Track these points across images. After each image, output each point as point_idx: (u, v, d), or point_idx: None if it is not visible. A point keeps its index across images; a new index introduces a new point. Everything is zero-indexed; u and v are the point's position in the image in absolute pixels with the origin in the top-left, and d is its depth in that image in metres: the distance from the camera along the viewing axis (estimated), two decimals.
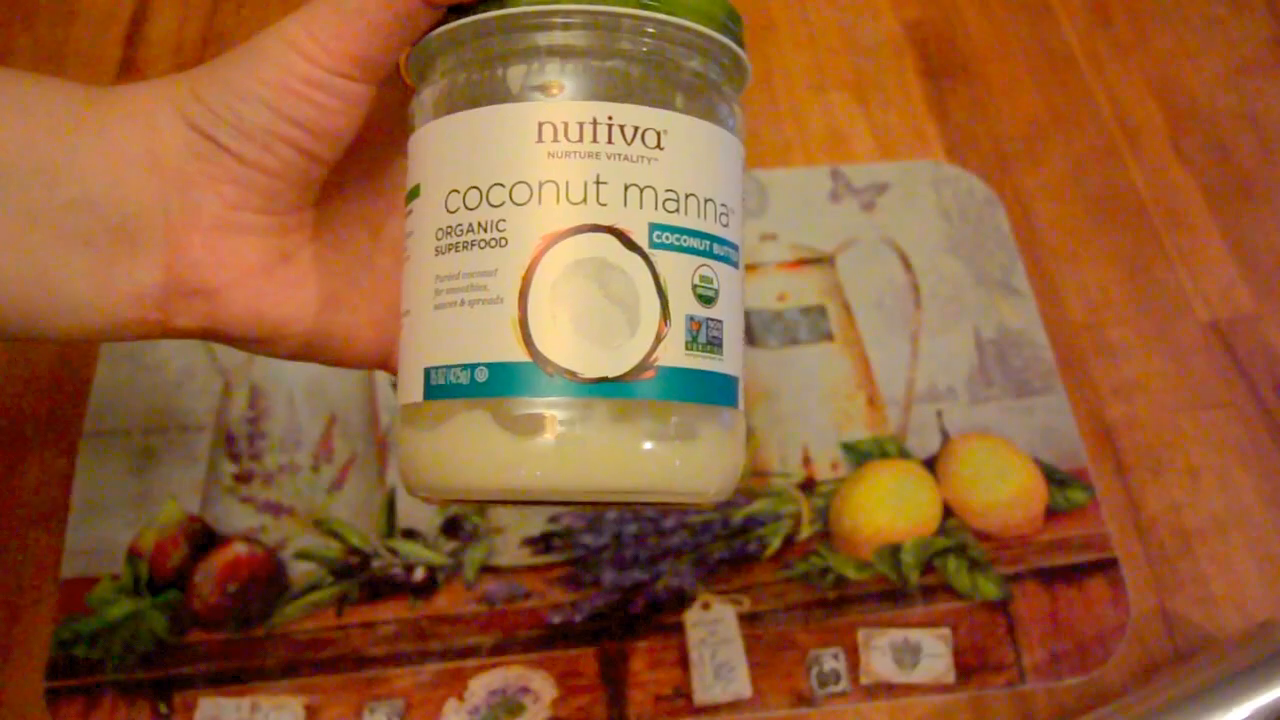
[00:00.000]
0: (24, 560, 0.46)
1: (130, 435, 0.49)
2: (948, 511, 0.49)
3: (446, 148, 0.26)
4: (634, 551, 0.47)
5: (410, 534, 0.47)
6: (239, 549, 0.46)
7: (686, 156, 0.26)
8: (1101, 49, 0.64)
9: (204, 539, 0.46)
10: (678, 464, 0.26)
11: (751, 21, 0.66)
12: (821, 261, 0.55)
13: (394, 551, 0.47)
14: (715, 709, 0.44)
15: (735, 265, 0.28)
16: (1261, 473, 0.50)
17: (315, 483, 0.48)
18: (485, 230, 0.25)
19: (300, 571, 0.46)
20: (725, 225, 0.27)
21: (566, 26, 0.26)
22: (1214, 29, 0.65)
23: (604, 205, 0.25)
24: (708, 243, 0.27)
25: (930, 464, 0.50)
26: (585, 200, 0.25)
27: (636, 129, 0.25)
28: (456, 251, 0.26)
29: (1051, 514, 0.49)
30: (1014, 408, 0.51)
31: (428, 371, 0.26)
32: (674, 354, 0.25)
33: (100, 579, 0.45)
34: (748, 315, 0.53)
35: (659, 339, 0.25)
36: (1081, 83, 0.63)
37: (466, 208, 0.25)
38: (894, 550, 0.47)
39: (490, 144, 0.25)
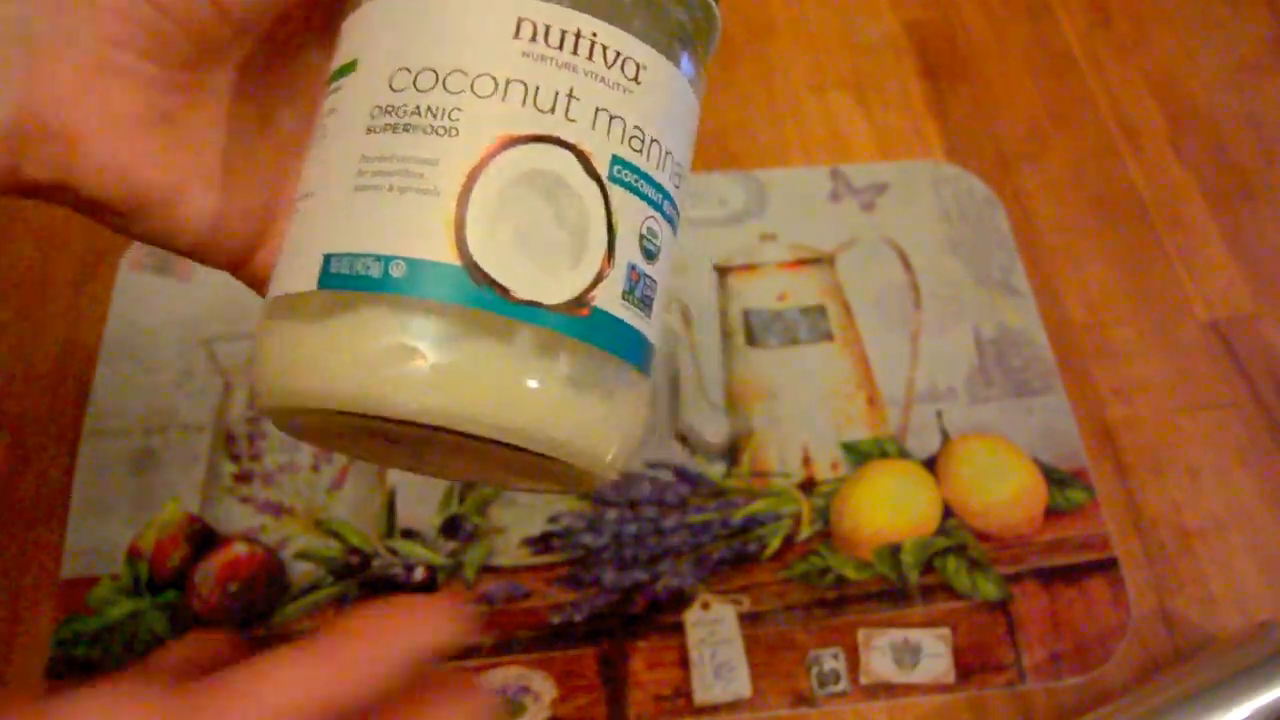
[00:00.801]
0: (24, 560, 0.46)
1: (130, 435, 0.49)
2: (947, 511, 0.49)
3: (402, 21, 0.23)
4: (634, 551, 0.47)
5: (410, 534, 0.47)
6: (239, 549, 0.46)
7: (660, 100, 0.25)
8: (1101, 49, 0.64)
9: (204, 539, 0.46)
10: (589, 419, 0.23)
11: (751, 21, 0.66)
12: (821, 261, 0.55)
13: (394, 551, 0.47)
14: (715, 709, 0.44)
15: (675, 231, 0.26)
16: (1262, 472, 0.50)
17: (315, 482, 0.48)
18: (434, 116, 0.22)
19: (300, 571, 0.46)
20: (676, 186, 0.26)
21: None
22: (1214, 29, 0.65)
23: (572, 121, 0.23)
24: (660, 196, 0.25)
25: (930, 464, 0.50)
26: (554, 110, 0.23)
27: (619, 55, 0.24)
28: (395, 133, 0.23)
29: (1051, 514, 0.49)
30: (1014, 408, 0.51)
31: (329, 258, 0.23)
32: (610, 299, 0.23)
33: (100, 579, 0.45)
34: (748, 315, 0.53)
35: (599, 278, 0.23)
36: (1081, 82, 0.63)
37: (416, 89, 0.23)
38: (894, 550, 0.47)
39: (458, 28, 0.23)
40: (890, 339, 0.53)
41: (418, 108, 0.23)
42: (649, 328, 0.25)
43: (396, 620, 0.23)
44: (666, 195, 0.25)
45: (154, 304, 0.52)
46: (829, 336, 0.53)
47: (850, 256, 0.56)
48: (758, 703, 0.44)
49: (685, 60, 0.26)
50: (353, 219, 0.23)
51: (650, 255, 0.24)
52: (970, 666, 0.45)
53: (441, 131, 0.22)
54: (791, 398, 0.51)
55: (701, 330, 0.53)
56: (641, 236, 0.24)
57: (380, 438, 0.25)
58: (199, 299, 0.53)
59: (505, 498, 0.48)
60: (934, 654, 0.45)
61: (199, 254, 0.27)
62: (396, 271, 0.22)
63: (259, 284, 0.28)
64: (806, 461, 0.50)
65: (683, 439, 0.50)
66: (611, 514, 0.48)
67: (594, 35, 0.23)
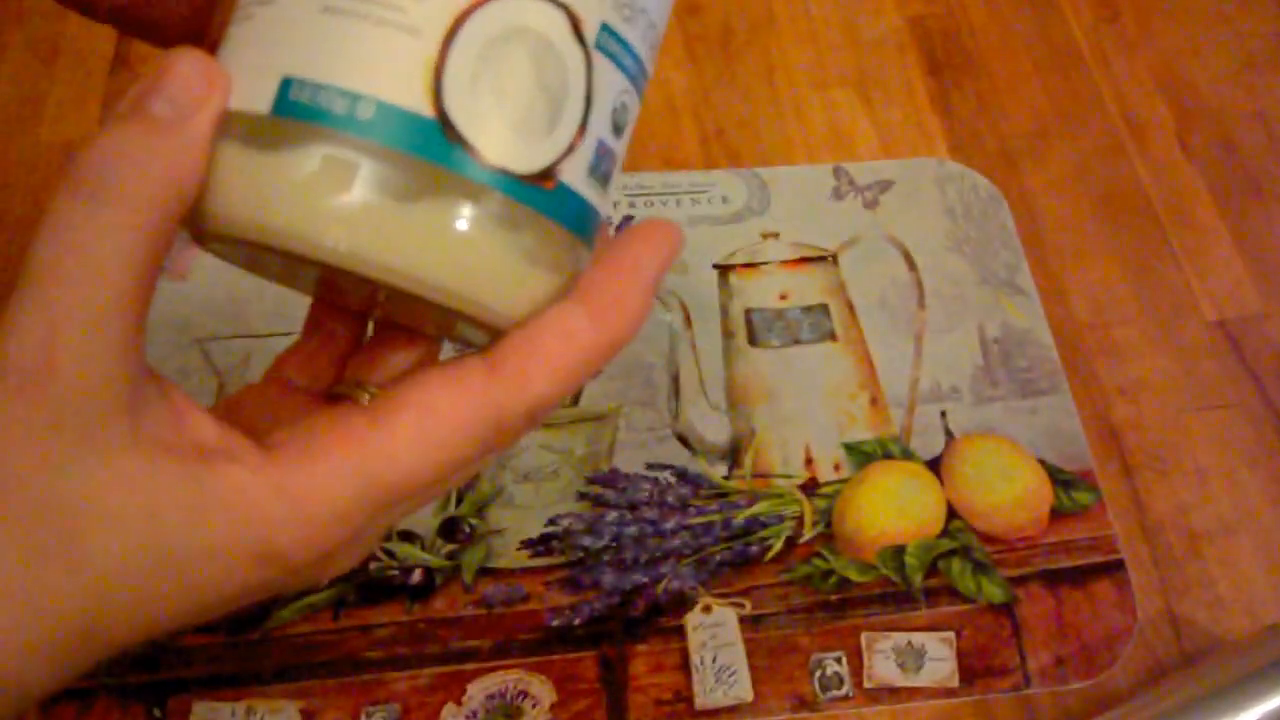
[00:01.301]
0: None
1: None
2: (952, 513, 0.48)
3: None
4: (634, 554, 0.46)
5: (407, 536, 0.47)
6: None
7: None
8: (1107, 45, 0.64)
9: None
10: (536, 293, 0.22)
11: (752, 17, 0.66)
12: (824, 260, 0.55)
13: (391, 554, 0.46)
14: (716, 713, 0.43)
15: (640, 100, 0.25)
16: (1269, 473, 0.50)
17: None
18: None
19: None
20: (651, 58, 0.25)
21: None
22: (1221, 25, 0.65)
23: None
24: (638, 68, 0.24)
25: (934, 465, 0.49)
26: None
27: None
28: None
29: (1057, 515, 0.48)
30: (1019, 408, 0.51)
31: (288, 82, 0.21)
32: (576, 173, 0.22)
33: None
34: (749, 314, 0.53)
35: (570, 150, 0.22)
36: (1087, 79, 0.62)
37: None
38: (897, 552, 0.47)
39: None
40: (894, 338, 0.53)
41: None
42: (605, 202, 0.24)
43: (642, 250, 0.23)
44: (642, 68, 0.24)
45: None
46: (831, 336, 0.52)
47: (853, 255, 0.55)
48: (759, 707, 0.43)
49: None
50: (320, 43, 0.21)
51: (619, 130, 0.23)
52: (974, 670, 0.44)
53: None
54: (794, 398, 0.51)
55: (702, 330, 0.52)
56: (614, 110, 0.23)
57: (319, 278, 0.25)
58: (194, 298, 0.52)
59: (504, 499, 0.48)
60: (938, 657, 0.45)
61: (142, 33, 0.26)
62: (363, 112, 0.20)
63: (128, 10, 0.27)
64: (809, 462, 0.49)
65: (683, 440, 0.50)
66: (611, 516, 0.47)
67: None
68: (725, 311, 0.53)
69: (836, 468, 0.49)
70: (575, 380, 0.22)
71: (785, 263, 0.54)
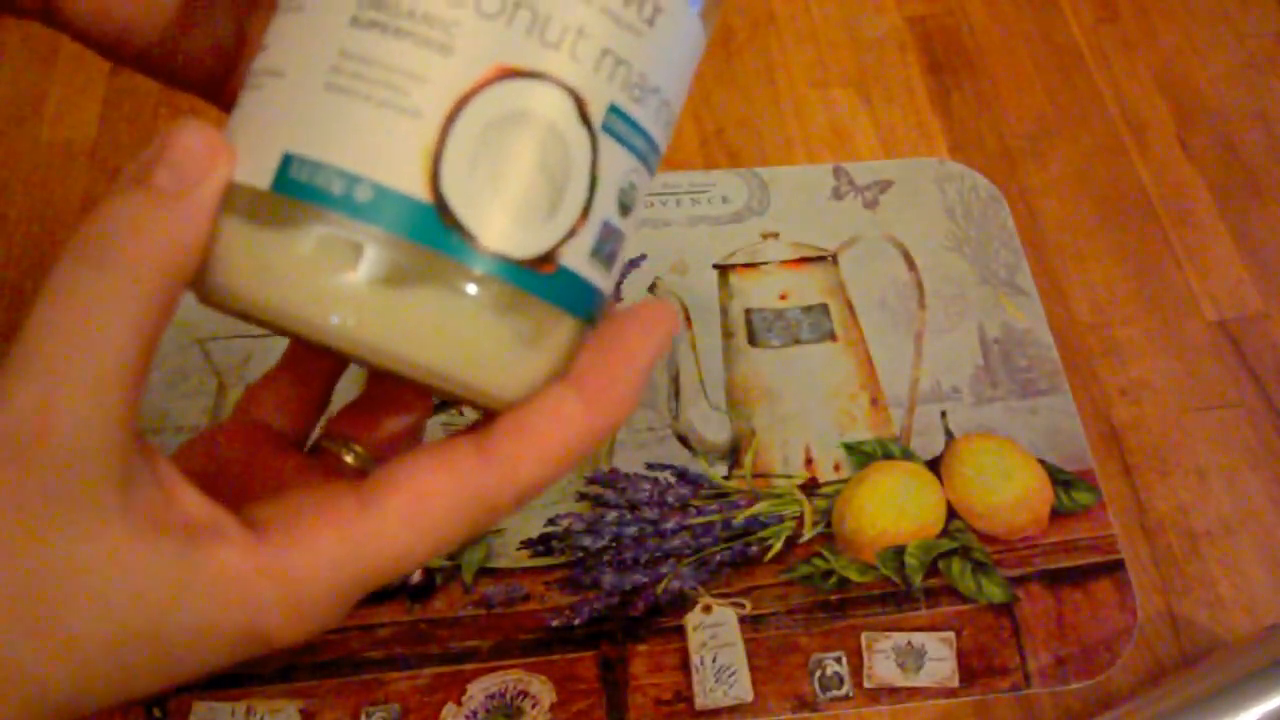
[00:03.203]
0: None
1: None
2: (952, 513, 0.48)
3: None
4: (634, 554, 0.46)
5: None
6: None
7: (670, 45, 0.23)
8: (1108, 44, 0.64)
9: None
10: (531, 374, 0.22)
11: (752, 16, 0.66)
12: (824, 260, 0.55)
13: None
14: (716, 713, 0.43)
15: (652, 175, 0.24)
16: (1270, 474, 0.50)
17: None
18: (430, 25, 0.20)
19: None
20: (665, 135, 0.24)
21: None
22: (1222, 24, 0.65)
23: (576, 61, 0.21)
24: (648, 148, 0.23)
25: (934, 465, 0.49)
26: (559, 47, 0.21)
27: None
28: (383, 33, 0.21)
29: (1057, 515, 0.48)
30: (1019, 408, 0.51)
31: (289, 159, 0.21)
32: (578, 256, 0.22)
33: None
34: (749, 314, 0.53)
35: (571, 234, 0.22)
36: (1088, 79, 0.62)
37: None
38: (897, 552, 0.47)
39: None
40: (894, 338, 0.53)
41: (412, 11, 0.21)
42: (608, 281, 0.24)
43: (637, 334, 0.23)
44: (654, 147, 0.24)
45: None
46: (831, 336, 0.52)
47: (853, 255, 0.55)
48: (759, 707, 0.43)
49: (706, 6, 0.24)
50: (322, 121, 0.21)
51: (626, 209, 0.23)
52: (975, 670, 0.44)
53: (435, 46, 0.20)
54: (794, 398, 0.51)
55: (702, 330, 0.52)
56: (621, 190, 0.23)
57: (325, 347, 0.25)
58: (193, 298, 0.52)
59: None
60: (938, 657, 0.45)
61: (175, 81, 0.27)
62: (361, 195, 0.20)
63: (153, 61, 0.27)
64: (809, 462, 0.49)
65: (684, 440, 0.50)
66: (611, 516, 0.47)
67: None
68: (725, 312, 0.53)
69: (836, 468, 0.49)
70: (566, 465, 0.22)
71: (785, 263, 0.54)
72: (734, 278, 0.54)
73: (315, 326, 0.21)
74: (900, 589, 0.46)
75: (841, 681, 0.44)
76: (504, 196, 0.21)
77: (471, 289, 0.21)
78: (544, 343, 0.22)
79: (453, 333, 0.21)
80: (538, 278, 0.21)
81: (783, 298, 0.53)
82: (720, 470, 0.49)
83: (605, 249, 0.23)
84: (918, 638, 0.45)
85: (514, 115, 0.21)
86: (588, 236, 0.22)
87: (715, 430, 0.50)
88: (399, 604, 0.45)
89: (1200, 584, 0.47)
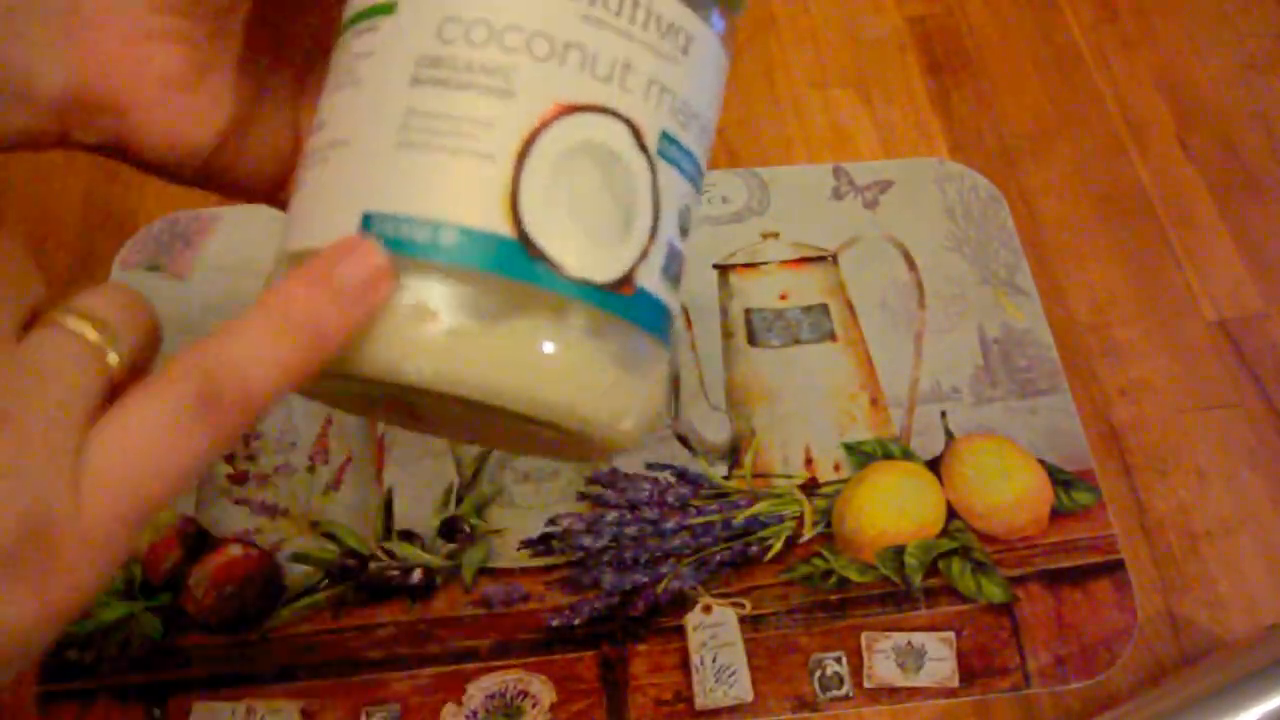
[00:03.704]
0: None
1: None
2: (952, 513, 0.48)
3: None
4: (634, 554, 0.46)
5: (407, 536, 0.47)
6: (234, 551, 0.46)
7: (703, 72, 0.24)
8: (1108, 44, 0.64)
9: (199, 541, 0.46)
10: (629, 398, 0.23)
11: (752, 16, 0.66)
12: (824, 260, 0.55)
13: (391, 554, 0.46)
14: (716, 713, 0.43)
15: (700, 198, 0.26)
16: (1270, 474, 0.50)
17: (311, 484, 0.48)
18: (490, 74, 0.21)
19: (296, 574, 0.45)
20: (706, 160, 0.25)
21: None
22: (1222, 24, 0.65)
23: (628, 92, 0.22)
24: (696, 172, 0.24)
25: (934, 465, 0.49)
26: (610, 80, 0.22)
27: (672, 26, 0.23)
28: (447, 88, 0.21)
29: (1057, 515, 0.48)
30: (1019, 408, 0.51)
31: (369, 217, 0.21)
32: (651, 276, 0.23)
33: None
34: (749, 315, 0.53)
35: (644, 255, 0.23)
36: (1087, 79, 0.62)
37: (469, 42, 0.22)
38: (897, 552, 0.47)
39: None
40: (894, 338, 0.53)
41: (470, 63, 0.22)
42: (676, 301, 0.25)
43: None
44: (699, 169, 0.25)
45: None
46: (831, 336, 0.52)
47: (853, 255, 0.55)
48: (759, 707, 0.43)
49: (722, 23, 0.25)
50: (398, 177, 0.21)
51: (684, 231, 0.24)
52: (974, 670, 0.44)
53: (497, 92, 0.21)
54: (793, 398, 0.51)
55: (702, 330, 0.52)
56: (679, 212, 0.24)
57: (405, 406, 0.25)
58: (193, 298, 0.52)
59: (504, 499, 0.48)
60: (938, 657, 0.45)
61: (233, 191, 0.27)
62: (446, 239, 0.21)
63: (224, 179, 0.28)
64: (809, 463, 0.49)
65: (684, 440, 0.50)
66: (611, 515, 0.47)
67: (651, 3, 0.23)
68: (725, 312, 0.53)
69: (836, 468, 0.49)
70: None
71: (785, 263, 0.54)
72: (734, 278, 0.54)
73: (417, 374, 0.21)
74: (900, 589, 0.46)
75: (841, 681, 0.44)
76: (581, 224, 0.22)
77: (561, 316, 0.21)
78: (632, 364, 0.23)
79: (547, 360, 0.21)
80: (621, 299, 0.22)
81: (783, 298, 0.53)
82: (720, 470, 0.49)
83: (671, 269, 0.24)
84: (918, 638, 0.45)
85: (579, 147, 0.22)
86: (657, 257, 0.23)
87: (715, 430, 0.50)
88: (399, 604, 0.45)
89: (1200, 584, 0.47)
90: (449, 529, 0.47)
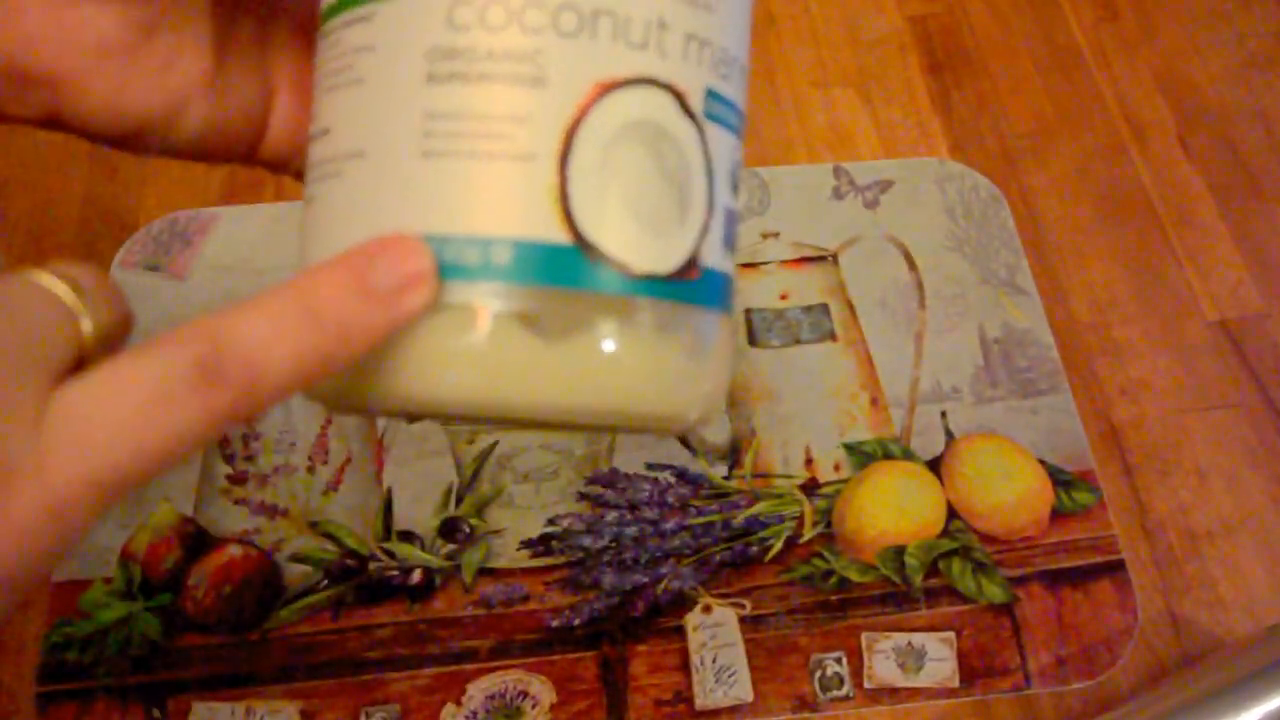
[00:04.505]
0: None
1: None
2: (952, 513, 0.48)
3: None
4: (634, 554, 0.46)
5: (407, 536, 0.46)
6: (233, 551, 0.46)
7: (738, 14, 0.21)
8: (1108, 44, 0.64)
9: (198, 541, 0.46)
10: (703, 385, 0.21)
11: (753, 16, 0.66)
12: (824, 260, 0.55)
13: (390, 554, 0.46)
14: (716, 713, 0.43)
15: (743, 143, 0.23)
16: (1271, 474, 0.50)
17: (311, 484, 0.47)
18: (515, 61, 0.19)
19: (295, 574, 0.45)
20: (745, 97, 0.23)
21: None
22: (1222, 24, 0.65)
23: (665, 56, 0.20)
24: (739, 119, 0.22)
25: (934, 465, 0.49)
26: (646, 45, 0.19)
27: None
28: (466, 83, 0.19)
29: (1057, 516, 0.48)
30: (1019, 408, 0.51)
31: None
32: (713, 252, 0.21)
33: (93, 582, 0.45)
34: (750, 315, 0.53)
35: (704, 231, 0.20)
36: (1088, 78, 0.62)
37: (485, 27, 0.19)
38: (898, 552, 0.47)
39: None
40: (894, 338, 0.53)
41: (490, 51, 0.19)
42: (733, 266, 0.23)
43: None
44: (742, 116, 0.22)
45: (147, 303, 0.52)
46: (832, 336, 0.52)
47: (853, 255, 0.55)
48: (760, 707, 0.43)
49: None
50: (431, 192, 0.19)
51: (736, 188, 0.22)
52: (975, 670, 0.44)
53: (527, 81, 0.19)
54: (794, 398, 0.51)
55: None
56: (730, 171, 0.21)
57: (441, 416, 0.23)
58: (193, 297, 0.52)
59: (504, 499, 0.47)
60: (938, 658, 0.45)
61: (203, 157, 0.25)
62: (500, 257, 0.19)
63: (271, 167, 0.26)
64: (809, 463, 0.49)
65: (684, 440, 0.49)
66: (611, 516, 0.47)
67: None
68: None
69: (837, 468, 0.49)
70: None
71: (785, 263, 0.54)
72: None
73: (488, 405, 0.19)
74: (900, 589, 0.46)
75: (842, 682, 0.44)
76: (639, 214, 0.19)
77: (628, 317, 0.20)
78: (706, 348, 0.21)
79: (629, 367, 0.20)
80: (688, 286, 0.20)
81: (783, 298, 0.53)
82: (720, 470, 0.49)
83: (729, 234, 0.22)
84: (918, 638, 0.45)
85: (625, 129, 0.19)
86: (717, 228, 0.21)
87: (715, 430, 0.50)
88: (399, 604, 0.45)
89: (1200, 584, 0.47)
90: (449, 529, 0.47)
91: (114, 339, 0.19)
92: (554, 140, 0.19)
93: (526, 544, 0.46)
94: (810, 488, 0.49)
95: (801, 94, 0.61)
